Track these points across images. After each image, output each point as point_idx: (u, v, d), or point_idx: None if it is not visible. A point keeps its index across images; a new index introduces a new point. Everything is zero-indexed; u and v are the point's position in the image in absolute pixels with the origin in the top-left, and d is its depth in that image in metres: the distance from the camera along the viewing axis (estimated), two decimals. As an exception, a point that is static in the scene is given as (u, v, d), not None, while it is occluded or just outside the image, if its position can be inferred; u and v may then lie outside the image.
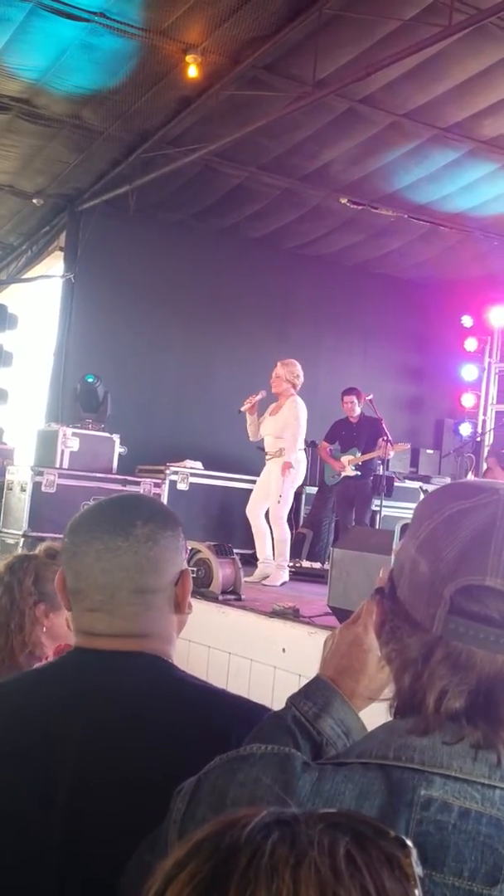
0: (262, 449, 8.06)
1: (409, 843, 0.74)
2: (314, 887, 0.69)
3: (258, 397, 7.87)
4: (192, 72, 7.75)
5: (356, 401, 9.18)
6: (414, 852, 0.74)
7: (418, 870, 0.72)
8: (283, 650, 4.94)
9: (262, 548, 7.78)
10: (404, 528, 1.12)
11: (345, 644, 1.34)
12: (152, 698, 1.44)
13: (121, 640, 1.49)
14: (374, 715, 1.19)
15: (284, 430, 7.68)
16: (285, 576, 7.63)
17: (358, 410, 9.21)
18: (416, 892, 0.71)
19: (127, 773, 1.36)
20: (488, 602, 0.96)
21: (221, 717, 1.42)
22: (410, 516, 1.12)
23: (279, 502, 7.62)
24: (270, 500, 7.68)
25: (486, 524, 0.99)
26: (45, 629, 2.45)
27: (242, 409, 7.90)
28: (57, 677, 1.52)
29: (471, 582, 0.96)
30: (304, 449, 8.02)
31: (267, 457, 7.87)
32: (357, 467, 9.08)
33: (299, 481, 7.96)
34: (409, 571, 1.03)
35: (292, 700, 1.31)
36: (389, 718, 1.06)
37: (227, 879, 0.70)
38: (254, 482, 8.39)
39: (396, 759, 0.99)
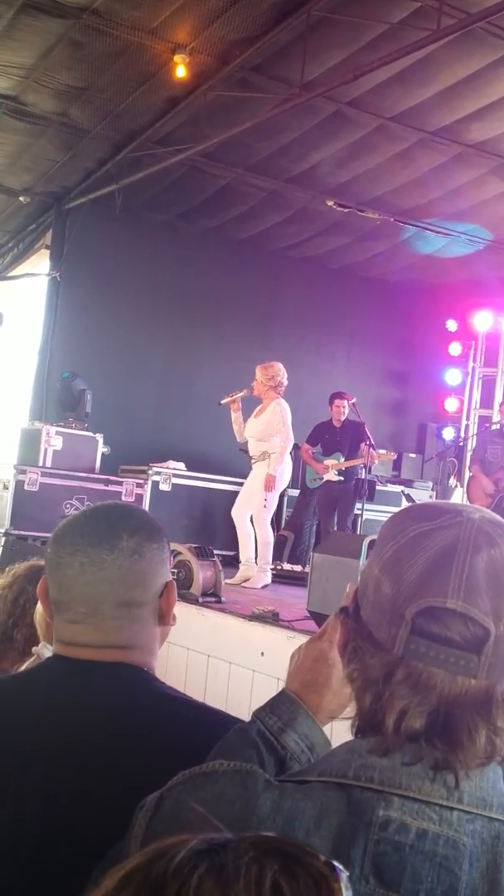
0: (246, 451, 8.06)
1: (339, 866, 0.74)
2: None
3: (240, 394, 7.90)
4: (181, 72, 7.73)
5: (346, 405, 9.20)
6: (344, 876, 0.74)
7: (348, 894, 0.72)
8: (262, 654, 4.94)
9: (245, 550, 7.79)
10: (372, 543, 1.12)
11: (310, 659, 1.35)
12: (130, 711, 1.43)
13: (102, 651, 1.47)
14: (341, 733, 1.19)
15: (269, 434, 7.69)
16: (267, 578, 7.65)
17: (346, 415, 9.23)
18: None
19: (100, 788, 1.34)
20: (449, 624, 0.97)
21: (199, 732, 1.40)
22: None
23: (264, 506, 7.64)
24: (254, 503, 7.69)
25: (448, 546, 0.99)
26: None
27: (222, 402, 7.93)
28: (34, 686, 1.50)
29: (432, 603, 0.97)
30: (290, 452, 8.03)
31: (252, 460, 7.87)
32: (339, 472, 9.10)
33: (284, 484, 7.97)
34: (373, 592, 1.04)
35: (258, 714, 1.31)
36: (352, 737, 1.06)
37: None
38: (237, 484, 8.39)
39: (356, 778, 0.99)
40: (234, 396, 7.91)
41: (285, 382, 7.91)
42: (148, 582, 1.51)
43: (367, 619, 1.04)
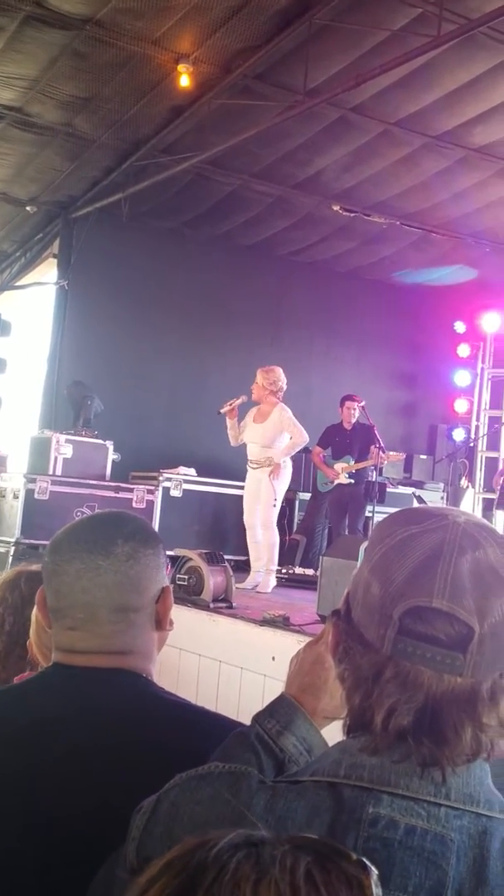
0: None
1: (370, 865, 0.78)
2: None
3: (238, 401, 7.87)
4: (184, 81, 7.78)
5: (356, 406, 9.21)
6: (374, 874, 0.77)
7: (378, 891, 0.76)
8: (273, 658, 4.95)
9: (258, 555, 7.82)
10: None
11: (308, 662, 1.38)
12: (130, 717, 1.44)
13: (100, 657, 1.49)
14: (337, 733, 1.21)
15: (273, 440, 7.71)
16: (273, 581, 7.68)
17: (356, 417, 9.24)
18: None
19: (103, 793, 1.36)
20: (435, 623, 0.99)
21: (199, 736, 1.42)
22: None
23: (273, 505, 7.67)
24: (263, 504, 7.70)
25: (434, 548, 1.02)
26: None
27: (222, 410, 7.90)
28: (36, 696, 1.51)
29: (419, 603, 0.99)
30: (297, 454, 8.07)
31: (253, 465, 7.86)
32: (350, 475, 9.11)
33: (286, 483, 7.97)
34: (363, 593, 1.06)
35: (257, 718, 1.34)
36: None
37: (194, 894, 0.75)
38: (247, 488, 8.38)
39: (347, 777, 1.01)
40: (234, 404, 7.86)
41: (285, 387, 7.91)
42: (143, 587, 1.53)
43: (357, 620, 1.06)
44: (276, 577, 8.10)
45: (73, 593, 1.50)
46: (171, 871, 0.77)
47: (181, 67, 7.66)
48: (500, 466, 9.60)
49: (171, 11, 7.00)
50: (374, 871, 0.78)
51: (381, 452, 8.92)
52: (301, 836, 0.82)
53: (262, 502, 7.69)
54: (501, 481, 9.40)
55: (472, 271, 11.45)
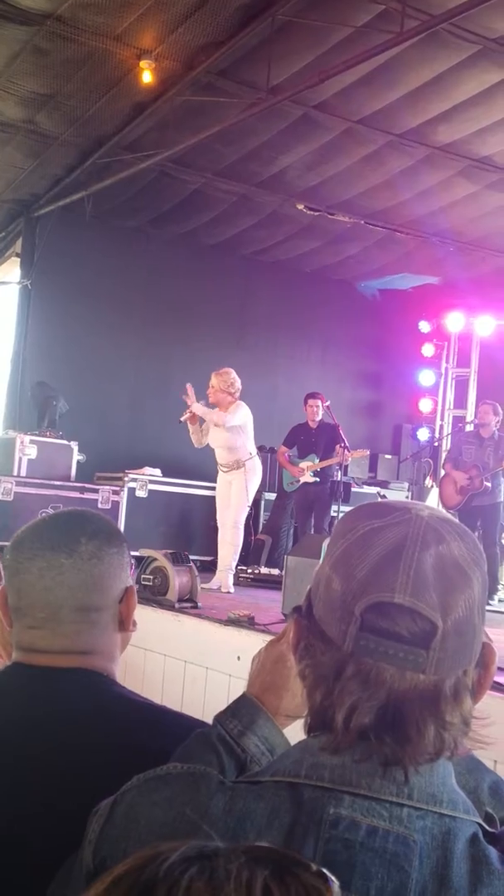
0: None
1: (331, 876, 0.74)
2: None
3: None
4: (147, 77, 7.72)
5: (320, 405, 9.21)
6: (336, 885, 0.73)
7: None
8: (238, 658, 4.94)
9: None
10: (330, 544, 1.11)
11: (270, 661, 1.36)
12: (91, 716, 1.42)
13: (61, 657, 1.47)
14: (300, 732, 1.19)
15: (236, 442, 7.70)
16: (231, 579, 7.70)
17: (320, 415, 9.23)
18: None
19: (64, 795, 1.34)
20: (397, 619, 0.96)
21: (162, 735, 1.40)
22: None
23: (247, 506, 7.71)
24: (235, 505, 7.69)
25: (397, 542, 0.99)
26: None
27: (183, 419, 7.83)
28: None
29: (381, 599, 0.96)
30: (259, 454, 8.05)
31: (223, 469, 7.84)
32: (315, 473, 9.11)
33: (257, 484, 7.99)
34: (324, 589, 1.03)
35: (218, 718, 1.32)
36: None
37: None
38: (213, 489, 8.37)
39: (307, 777, 0.98)
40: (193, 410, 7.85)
41: (240, 387, 7.88)
42: (107, 586, 1.50)
43: (318, 616, 1.03)
44: (242, 577, 8.12)
45: (35, 592, 1.47)
46: (119, 887, 0.73)
47: (143, 63, 7.59)
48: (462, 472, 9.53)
49: (133, 7, 6.94)
50: (335, 881, 0.74)
51: (345, 451, 8.93)
52: (258, 846, 0.77)
53: (233, 503, 7.68)
54: (470, 483, 9.32)
55: (433, 278, 11.58)
